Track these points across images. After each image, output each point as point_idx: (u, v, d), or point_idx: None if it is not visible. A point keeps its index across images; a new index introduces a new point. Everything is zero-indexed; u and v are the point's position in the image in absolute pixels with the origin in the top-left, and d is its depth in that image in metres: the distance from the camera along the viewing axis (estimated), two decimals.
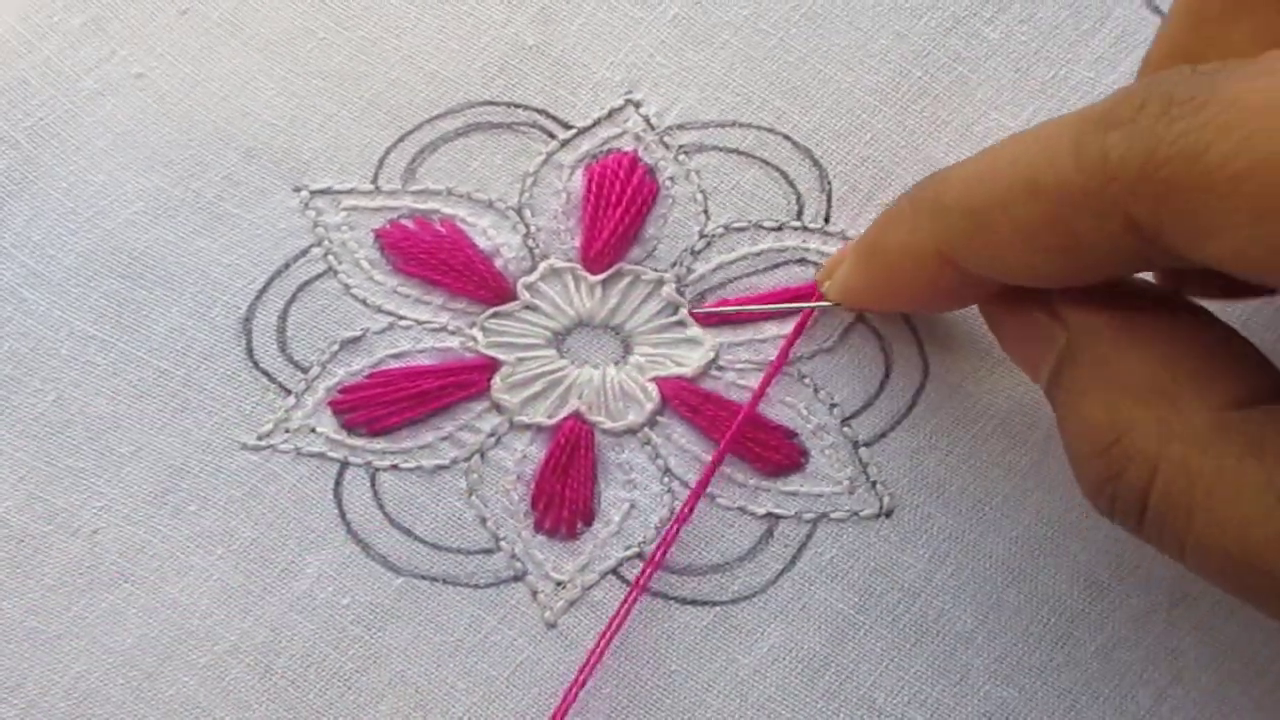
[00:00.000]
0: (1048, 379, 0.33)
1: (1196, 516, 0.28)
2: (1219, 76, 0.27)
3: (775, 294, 0.40)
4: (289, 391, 0.40)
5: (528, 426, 0.40)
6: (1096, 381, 0.31)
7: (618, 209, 0.40)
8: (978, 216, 0.31)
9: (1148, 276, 0.36)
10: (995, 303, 0.35)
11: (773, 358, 0.40)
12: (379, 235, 0.41)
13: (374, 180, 0.41)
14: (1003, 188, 0.30)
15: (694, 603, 0.40)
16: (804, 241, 0.41)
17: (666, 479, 0.40)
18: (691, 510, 0.39)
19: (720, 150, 0.41)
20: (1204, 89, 0.26)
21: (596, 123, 0.41)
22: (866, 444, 0.40)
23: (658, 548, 0.39)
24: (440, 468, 0.40)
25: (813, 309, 0.40)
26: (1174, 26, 0.33)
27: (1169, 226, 0.27)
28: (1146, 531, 0.30)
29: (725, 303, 0.41)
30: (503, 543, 0.40)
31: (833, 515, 0.40)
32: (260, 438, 0.40)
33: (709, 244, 0.41)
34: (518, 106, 0.41)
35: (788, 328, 0.40)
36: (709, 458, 0.40)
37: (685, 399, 0.40)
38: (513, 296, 0.41)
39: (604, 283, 0.41)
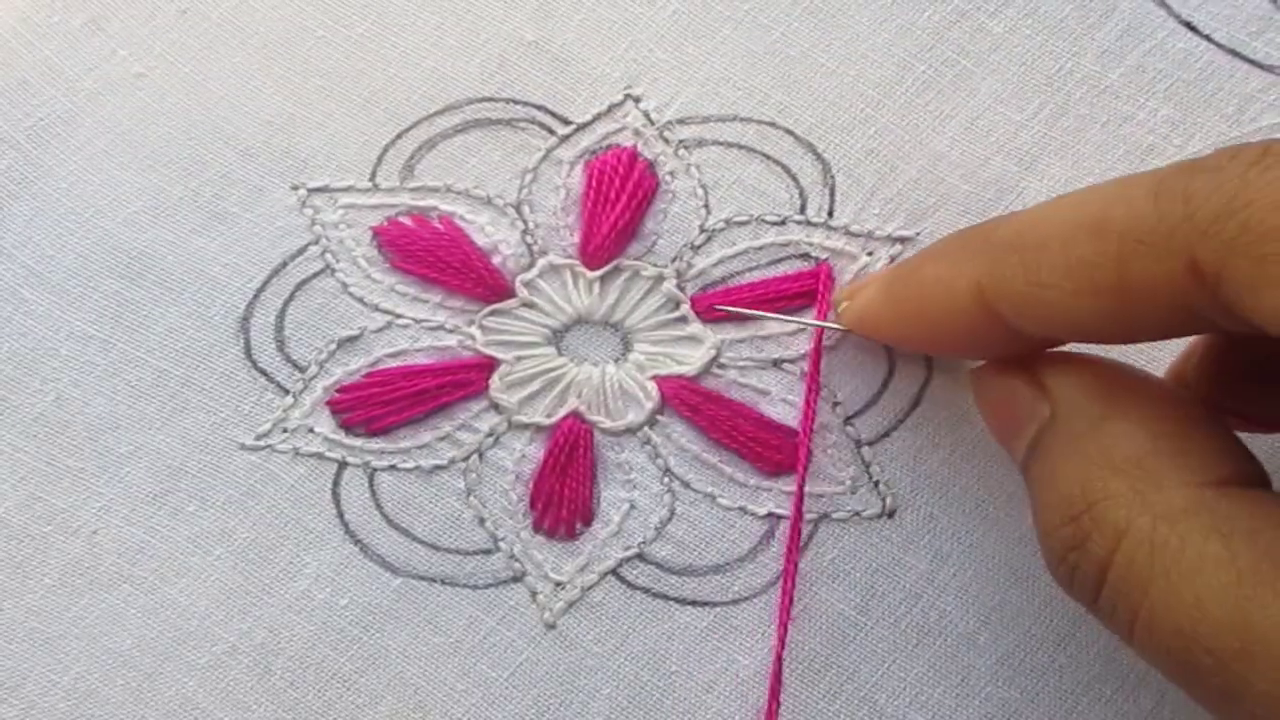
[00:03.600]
0: (1025, 451, 0.33)
1: (1153, 588, 0.28)
2: None
3: (781, 279, 0.40)
4: (287, 391, 0.40)
5: (526, 426, 0.40)
6: (1074, 453, 0.31)
7: (617, 204, 0.40)
8: (1030, 253, 0.31)
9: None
10: (982, 370, 0.35)
11: (775, 355, 0.40)
12: (377, 233, 0.40)
13: (372, 178, 0.41)
14: (1066, 225, 0.30)
15: (694, 603, 0.39)
16: (807, 236, 0.40)
17: (666, 479, 0.40)
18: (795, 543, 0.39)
19: (721, 145, 0.41)
20: None
21: (596, 118, 0.41)
22: (869, 443, 0.40)
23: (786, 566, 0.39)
24: (438, 468, 0.40)
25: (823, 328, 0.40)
26: None
27: (1231, 272, 0.26)
28: (1101, 605, 0.29)
29: (731, 296, 0.40)
30: (501, 543, 0.39)
31: (834, 515, 0.39)
32: (258, 438, 0.40)
33: (710, 238, 0.40)
34: (517, 103, 0.41)
35: (789, 325, 0.40)
36: (709, 458, 0.40)
37: (685, 398, 0.40)
38: (511, 294, 0.40)
39: (603, 279, 0.40)
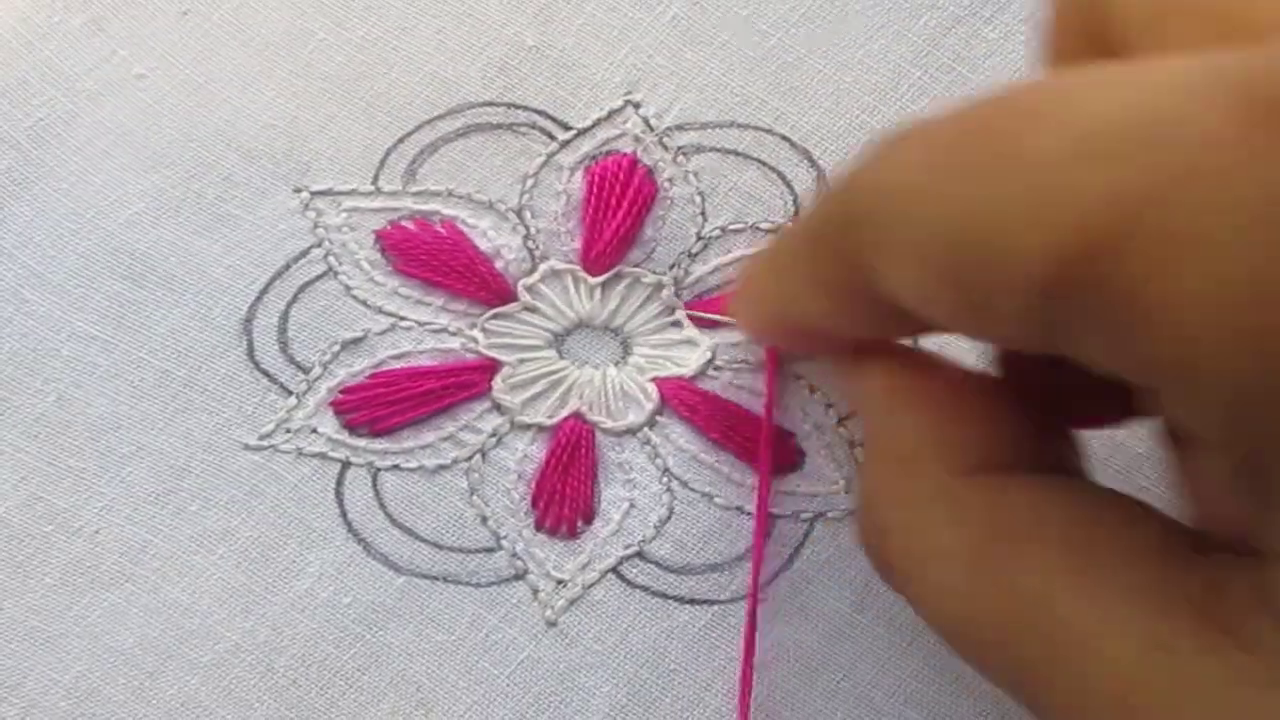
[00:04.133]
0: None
1: (911, 585, 0.29)
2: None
3: None
4: (290, 392, 0.40)
5: (528, 426, 0.40)
6: (869, 449, 0.32)
7: (618, 211, 0.41)
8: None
9: None
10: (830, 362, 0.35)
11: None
12: (380, 236, 0.41)
13: (374, 181, 0.41)
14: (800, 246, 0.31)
15: (693, 601, 0.40)
16: None
17: (665, 478, 0.40)
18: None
19: (718, 151, 0.41)
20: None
21: (596, 124, 0.41)
22: (863, 444, 0.40)
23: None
24: (441, 467, 0.40)
25: None
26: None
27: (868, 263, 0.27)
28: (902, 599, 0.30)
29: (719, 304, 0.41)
30: (504, 541, 0.40)
31: (830, 514, 0.40)
32: (261, 438, 0.40)
33: (706, 246, 0.41)
34: (517, 107, 0.41)
35: None
36: (707, 457, 0.40)
37: (684, 399, 0.40)
38: (513, 298, 0.41)
39: (604, 285, 0.41)
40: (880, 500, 0.30)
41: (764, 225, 0.41)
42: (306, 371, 0.40)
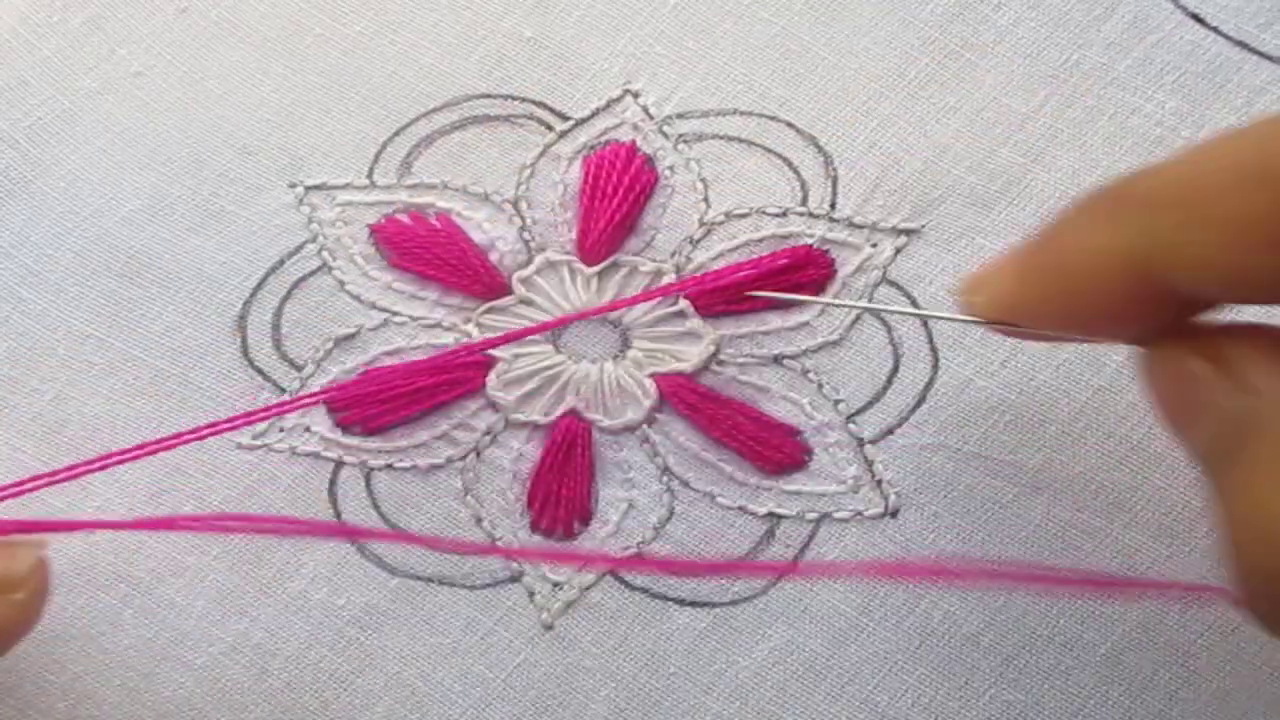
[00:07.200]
0: (1208, 447, 0.29)
1: None
2: None
3: (768, 258, 0.39)
4: (284, 390, 0.40)
5: (524, 424, 0.39)
6: (1257, 458, 0.27)
7: (614, 199, 0.40)
8: (1193, 209, 0.27)
9: None
10: (1159, 351, 0.31)
11: (775, 351, 0.39)
12: (374, 230, 0.40)
13: (369, 175, 0.41)
14: (1226, 175, 0.27)
15: (693, 604, 0.39)
16: (809, 228, 0.40)
17: (665, 478, 0.39)
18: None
19: (722, 139, 0.40)
20: None
21: (594, 113, 0.41)
22: (872, 441, 0.39)
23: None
24: (435, 467, 0.39)
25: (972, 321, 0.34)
26: None
27: None
28: None
29: (718, 280, 0.39)
30: (499, 542, 0.39)
31: (836, 515, 0.39)
32: (255, 437, 0.40)
33: (709, 232, 0.40)
34: (514, 99, 0.41)
35: (791, 319, 0.39)
36: (709, 456, 0.39)
37: (684, 396, 0.39)
38: (508, 291, 0.40)
39: (601, 275, 0.40)
40: None
41: (770, 209, 0.40)
42: (300, 369, 0.40)
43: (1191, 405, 0.29)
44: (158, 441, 0.37)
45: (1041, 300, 0.31)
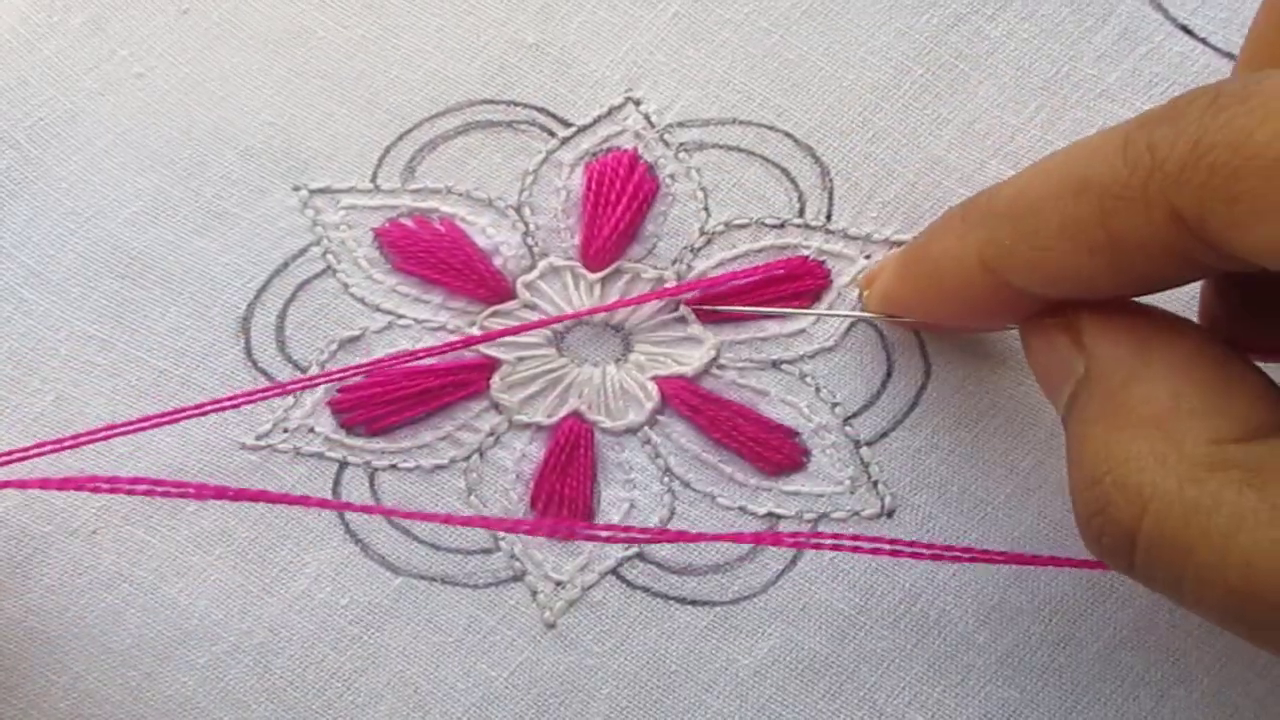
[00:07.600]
0: (1064, 407, 0.32)
1: (1196, 553, 0.28)
2: (1267, 76, 0.27)
3: (764, 268, 0.40)
4: (287, 392, 0.40)
5: (527, 426, 0.40)
6: (1105, 413, 0.30)
7: (617, 206, 0.40)
8: (1024, 220, 0.31)
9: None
10: (1028, 326, 0.35)
11: (774, 356, 0.40)
12: (378, 234, 0.41)
13: (373, 179, 0.41)
14: (1052, 188, 0.30)
15: (694, 603, 0.39)
16: (805, 239, 0.41)
17: (667, 479, 0.40)
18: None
19: (721, 148, 0.41)
20: (1251, 84, 0.26)
21: (596, 120, 0.41)
22: (868, 443, 0.40)
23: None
24: (439, 467, 0.40)
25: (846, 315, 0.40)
26: (1258, 31, 0.33)
27: (1211, 214, 0.27)
28: (1138, 570, 0.29)
29: (718, 293, 0.40)
30: (502, 542, 0.40)
31: (834, 515, 0.40)
32: (259, 438, 0.40)
33: (710, 241, 0.41)
34: (517, 105, 0.41)
35: (788, 326, 0.40)
36: (709, 457, 0.40)
37: (685, 398, 0.40)
38: (512, 295, 0.40)
39: (604, 281, 0.40)
40: (1133, 468, 0.29)
41: (769, 221, 0.41)
42: (304, 370, 0.40)
43: (1056, 373, 0.33)
44: (159, 415, 0.38)
45: (916, 296, 0.37)
